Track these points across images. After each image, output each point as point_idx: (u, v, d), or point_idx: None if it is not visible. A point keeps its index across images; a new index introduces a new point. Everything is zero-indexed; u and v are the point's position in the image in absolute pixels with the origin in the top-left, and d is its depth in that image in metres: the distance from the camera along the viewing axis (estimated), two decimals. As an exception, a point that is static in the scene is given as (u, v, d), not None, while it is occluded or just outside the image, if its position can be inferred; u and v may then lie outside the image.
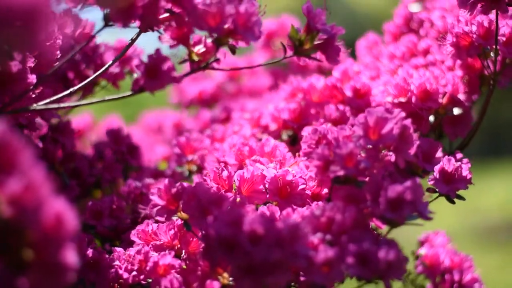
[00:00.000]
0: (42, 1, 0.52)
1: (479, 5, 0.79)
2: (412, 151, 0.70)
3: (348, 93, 0.92)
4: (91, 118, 1.19)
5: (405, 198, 0.63)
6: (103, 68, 0.80)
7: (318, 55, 0.83)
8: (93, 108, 1.23)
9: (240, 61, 1.25)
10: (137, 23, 0.74)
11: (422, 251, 0.96)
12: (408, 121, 0.69)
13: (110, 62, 0.80)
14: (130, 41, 0.79)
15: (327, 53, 0.82)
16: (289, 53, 0.83)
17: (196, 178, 0.87)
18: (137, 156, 0.99)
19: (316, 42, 0.82)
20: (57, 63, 0.80)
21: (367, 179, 0.68)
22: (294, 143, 0.92)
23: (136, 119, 1.32)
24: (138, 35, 0.78)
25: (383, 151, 0.69)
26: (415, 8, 1.07)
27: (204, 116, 1.15)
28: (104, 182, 0.94)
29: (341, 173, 0.66)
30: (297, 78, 0.95)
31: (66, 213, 0.55)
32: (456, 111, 0.89)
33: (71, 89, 0.79)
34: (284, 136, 0.92)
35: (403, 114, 0.69)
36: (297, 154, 0.81)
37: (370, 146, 0.68)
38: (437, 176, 0.79)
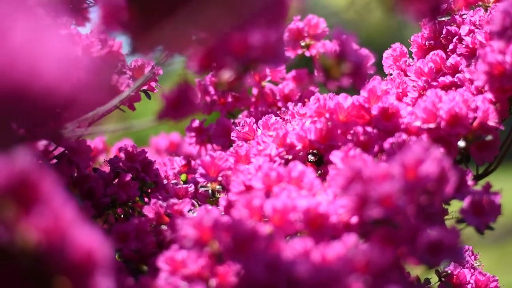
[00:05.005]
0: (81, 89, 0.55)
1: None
2: (450, 190, 0.73)
3: (376, 114, 0.95)
4: (103, 143, 1.23)
5: (444, 244, 0.67)
6: (123, 95, 0.83)
7: (347, 79, 0.86)
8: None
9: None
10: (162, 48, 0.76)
11: (448, 269, 1.00)
12: (447, 162, 0.72)
13: (128, 90, 0.83)
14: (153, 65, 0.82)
15: (354, 80, 0.86)
16: (319, 76, 0.86)
17: (222, 200, 0.90)
18: (151, 172, 1.01)
19: (344, 69, 0.85)
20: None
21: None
22: (319, 163, 0.95)
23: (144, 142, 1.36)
24: (165, 59, 0.80)
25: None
26: (444, 19, 1.09)
27: (226, 123, 1.17)
28: (120, 201, 0.96)
29: (376, 215, 0.69)
30: (323, 96, 0.97)
31: (95, 243, 0.59)
32: (486, 136, 0.93)
33: (90, 113, 0.82)
34: (310, 156, 0.96)
35: (441, 152, 0.73)
36: (324, 182, 0.84)
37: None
38: (467, 208, 0.83)
